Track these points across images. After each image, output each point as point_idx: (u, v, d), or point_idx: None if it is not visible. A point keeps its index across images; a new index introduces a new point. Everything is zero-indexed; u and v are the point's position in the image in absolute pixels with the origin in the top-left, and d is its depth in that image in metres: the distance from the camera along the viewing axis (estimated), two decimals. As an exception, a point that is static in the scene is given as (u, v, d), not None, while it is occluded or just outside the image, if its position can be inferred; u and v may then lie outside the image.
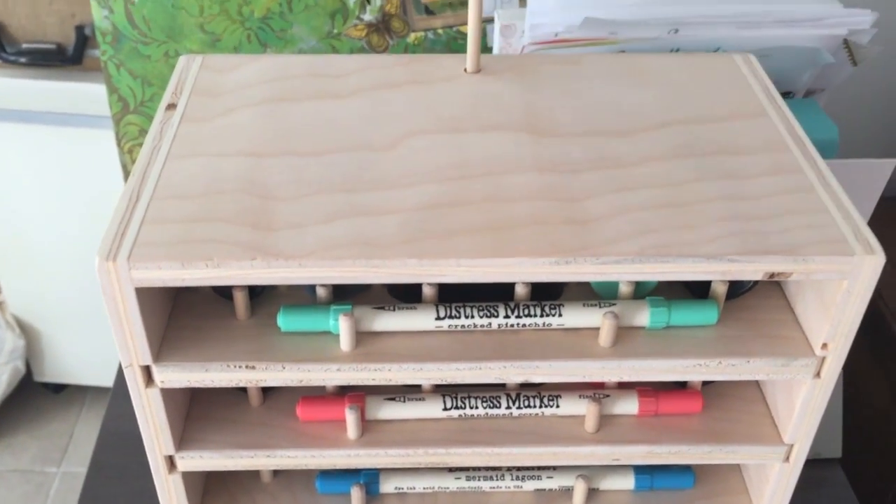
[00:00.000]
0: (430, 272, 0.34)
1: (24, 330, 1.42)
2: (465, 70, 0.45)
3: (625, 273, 0.35)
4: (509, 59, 0.47)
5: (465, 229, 0.35)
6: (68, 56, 1.10)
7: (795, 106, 0.67)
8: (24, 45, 1.10)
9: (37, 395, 1.52)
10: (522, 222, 0.36)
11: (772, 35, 0.64)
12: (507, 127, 0.41)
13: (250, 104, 0.42)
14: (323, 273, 0.34)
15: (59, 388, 1.53)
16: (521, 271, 0.35)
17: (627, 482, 0.45)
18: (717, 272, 0.35)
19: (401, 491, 0.45)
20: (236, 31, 0.77)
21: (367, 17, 0.79)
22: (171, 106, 0.42)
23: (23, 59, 1.10)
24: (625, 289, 0.39)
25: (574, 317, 0.38)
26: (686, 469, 0.46)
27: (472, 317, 0.38)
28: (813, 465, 0.69)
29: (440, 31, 0.80)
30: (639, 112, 0.43)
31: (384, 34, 0.80)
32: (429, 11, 0.80)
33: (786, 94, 0.71)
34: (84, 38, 1.08)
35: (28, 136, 1.15)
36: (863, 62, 0.68)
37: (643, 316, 0.39)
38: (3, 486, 1.42)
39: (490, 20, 0.79)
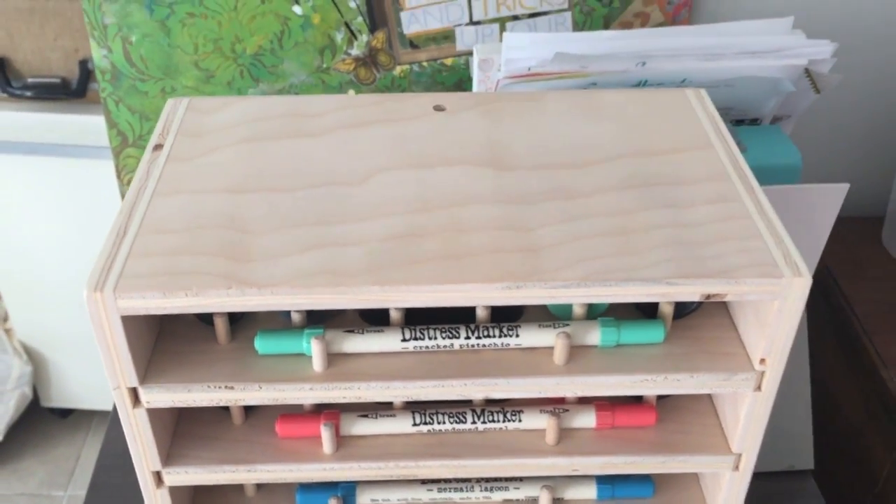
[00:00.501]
0: (393, 298, 0.37)
1: (31, 356, 1.45)
2: (434, 108, 0.48)
3: (571, 297, 0.38)
4: (475, 97, 0.50)
5: (426, 258, 0.38)
6: (72, 90, 1.14)
7: (760, 133, 0.71)
8: (30, 80, 1.14)
9: (44, 420, 1.55)
10: (478, 251, 0.39)
11: (735, 66, 0.68)
12: (469, 161, 0.45)
13: (231, 143, 0.45)
14: (293, 300, 0.37)
15: (65, 413, 1.55)
16: (476, 296, 0.38)
17: (590, 492, 0.48)
18: (657, 294, 0.38)
19: (377, 502, 0.47)
20: (229, 67, 0.81)
21: (355, 51, 0.83)
22: (158, 147, 0.45)
23: (28, 93, 1.14)
24: (578, 310, 0.42)
25: (530, 337, 0.41)
26: (646, 479, 0.48)
27: (436, 338, 0.41)
28: (786, 476, 0.72)
29: (425, 63, 0.84)
30: (593, 145, 0.46)
31: (371, 68, 0.84)
32: (413, 45, 0.83)
33: (753, 122, 0.74)
34: (87, 73, 1.11)
35: (33, 167, 1.18)
36: (825, 90, 0.71)
37: (595, 335, 0.42)
38: (11, 511, 1.45)
39: (471, 53, 0.83)
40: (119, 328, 0.37)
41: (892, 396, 0.76)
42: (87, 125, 1.13)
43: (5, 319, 1.48)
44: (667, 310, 0.42)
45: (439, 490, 0.47)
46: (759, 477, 0.72)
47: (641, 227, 0.40)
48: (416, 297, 0.37)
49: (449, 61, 0.83)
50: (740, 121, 0.73)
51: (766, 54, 0.68)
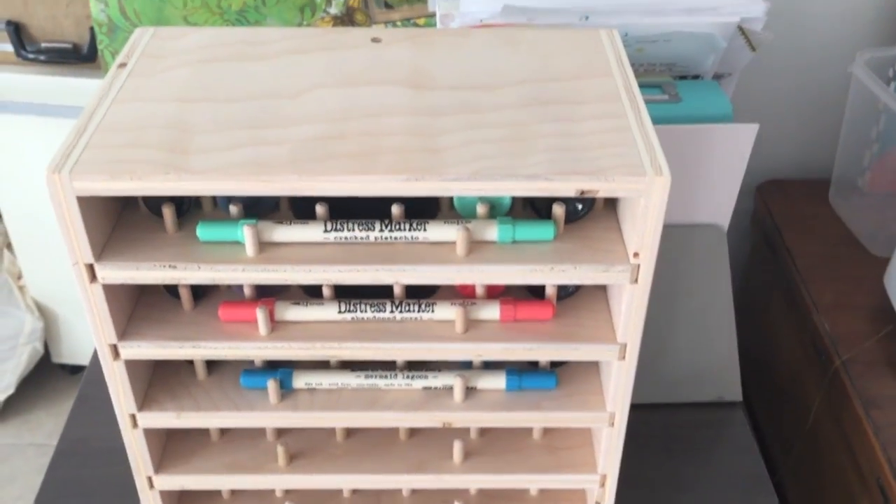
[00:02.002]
0: (308, 186, 0.43)
1: (43, 313, 1.52)
2: (371, 40, 0.55)
3: (463, 189, 0.44)
4: (410, 32, 0.56)
5: (341, 155, 0.45)
6: (83, 54, 1.20)
7: (697, 86, 0.76)
8: (43, 44, 1.20)
9: (54, 376, 1.62)
10: (387, 150, 0.45)
11: (672, 22, 0.73)
12: (392, 82, 0.51)
13: (187, 64, 0.52)
14: (223, 186, 0.43)
15: (75, 370, 1.63)
16: (380, 187, 0.44)
17: (499, 382, 0.54)
18: (537, 189, 0.44)
19: (310, 387, 0.54)
20: (216, 22, 0.88)
21: (333, 10, 0.89)
22: (122, 65, 0.51)
23: (42, 57, 1.20)
24: (480, 210, 0.48)
25: (437, 231, 0.48)
26: (550, 372, 0.54)
27: (354, 230, 0.47)
28: (715, 407, 0.77)
29: (398, 23, 0.90)
30: (504, 72, 0.52)
31: (348, 26, 0.90)
32: (388, 5, 0.89)
33: (695, 78, 0.79)
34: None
35: (46, 128, 1.24)
36: (760, 47, 0.76)
37: (493, 231, 0.48)
38: (21, 458, 1.52)
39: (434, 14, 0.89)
40: (75, 207, 0.43)
41: (823, 339, 0.82)
42: (96, 88, 1.20)
43: (19, 277, 1.55)
44: (558, 211, 0.48)
45: (366, 377, 0.54)
46: (688, 406, 0.78)
47: (532, 135, 0.46)
48: (329, 187, 0.44)
49: (422, 21, 0.89)
50: (682, 77, 0.79)
51: (701, 11, 0.73)
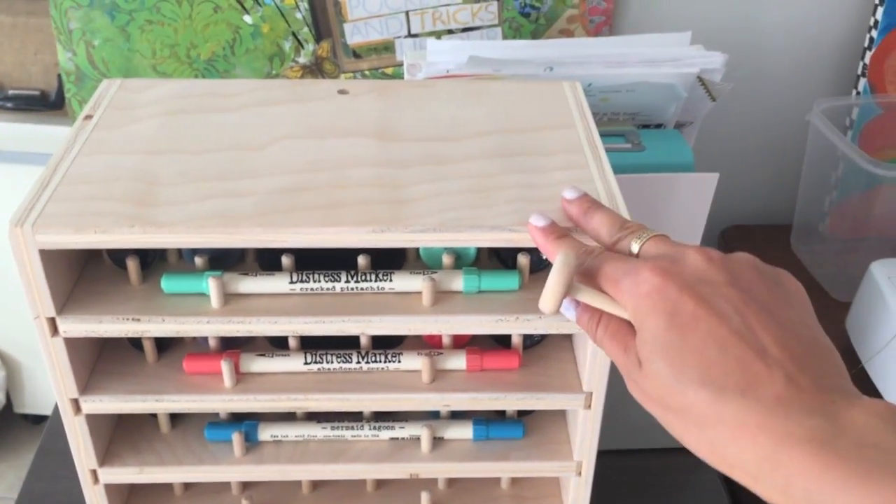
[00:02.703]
0: (273, 238, 0.44)
1: (6, 362, 1.50)
2: (338, 91, 0.55)
3: (429, 241, 0.44)
4: (375, 83, 0.57)
5: (307, 207, 0.45)
6: (51, 101, 1.19)
7: (659, 135, 0.77)
8: (10, 91, 1.19)
9: (16, 426, 1.59)
10: (354, 202, 0.45)
11: (635, 73, 0.75)
12: (359, 134, 0.51)
13: (153, 115, 0.52)
14: (189, 238, 0.43)
15: (38, 420, 1.59)
16: (348, 238, 0.44)
17: (467, 432, 0.54)
18: (502, 240, 0.44)
19: (276, 439, 0.53)
20: (185, 71, 0.88)
21: (302, 59, 0.90)
22: (88, 117, 0.52)
23: (9, 104, 1.19)
24: (446, 261, 0.49)
25: (403, 282, 0.48)
26: (517, 422, 0.54)
27: (319, 281, 0.47)
28: (684, 452, 0.77)
29: (367, 72, 0.91)
30: (469, 123, 0.52)
31: (317, 75, 0.91)
32: (356, 55, 0.90)
33: (657, 127, 0.81)
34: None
35: (12, 175, 1.24)
36: (720, 97, 0.78)
37: (458, 282, 0.48)
38: (-21, 512, 1.48)
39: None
40: (37, 260, 0.43)
41: (788, 383, 0.82)
42: (63, 136, 1.19)
43: (-20, 324, 1.52)
44: (523, 261, 0.48)
45: (332, 428, 0.53)
46: (657, 452, 0.78)
47: (497, 187, 0.47)
48: (295, 238, 0.44)
49: (389, 70, 0.90)
50: (646, 125, 0.80)
51: (662, 63, 0.75)
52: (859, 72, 0.93)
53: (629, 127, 0.79)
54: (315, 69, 0.90)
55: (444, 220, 0.44)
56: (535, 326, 0.47)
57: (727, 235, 1.00)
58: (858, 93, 0.93)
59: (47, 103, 1.19)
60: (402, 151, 0.50)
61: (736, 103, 0.94)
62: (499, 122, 0.53)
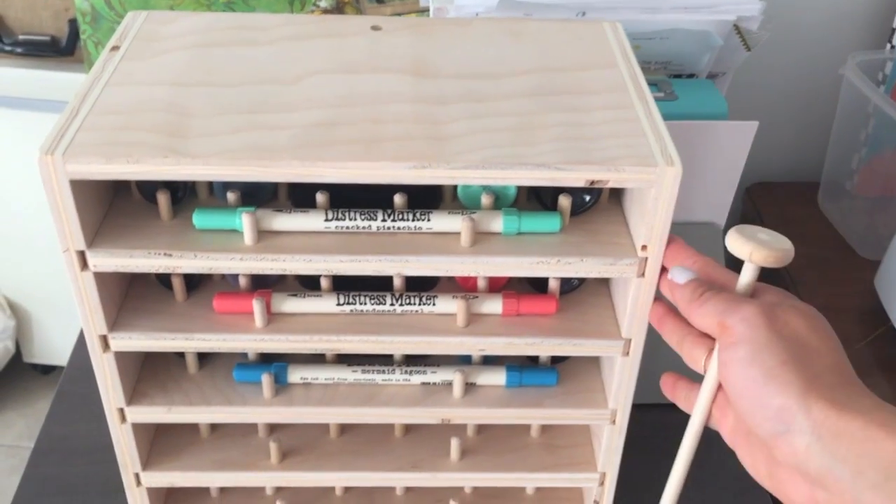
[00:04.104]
0: (310, 172, 0.42)
1: (15, 311, 1.49)
2: (371, 27, 0.53)
3: (471, 178, 0.43)
4: (410, 21, 0.55)
5: (344, 141, 0.43)
6: (61, 47, 1.18)
7: (692, 85, 0.76)
8: (21, 37, 1.17)
9: (25, 376, 1.59)
10: (391, 138, 0.44)
11: (669, 19, 0.73)
12: (394, 70, 0.49)
13: (182, 48, 0.50)
14: (222, 171, 0.42)
15: (47, 370, 1.59)
16: (386, 174, 0.42)
17: (500, 378, 0.53)
18: (546, 178, 0.43)
19: (306, 381, 0.52)
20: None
21: (323, 3, 0.88)
22: (115, 48, 0.50)
23: (19, 50, 1.18)
24: (485, 200, 0.47)
25: (440, 222, 0.46)
26: (551, 368, 0.53)
27: (356, 219, 0.46)
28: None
29: (390, 17, 0.88)
30: (507, 62, 0.51)
31: (339, 20, 0.88)
32: (379, 0, 0.88)
33: (690, 76, 0.79)
34: (76, 31, 1.15)
35: (22, 122, 1.22)
36: (756, 47, 0.76)
37: (498, 222, 0.47)
38: (-11, 460, 1.48)
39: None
40: (67, 191, 0.42)
41: (813, 340, 0.81)
42: (74, 82, 1.18)
43: (-10, 273, 1.52)
44: (564, 203, 0.47)
45: (363, 371, 0.52)
46: (676, 407, 0.77)
47: (540, 125, 0.45)
48: (332, 173, 0.42)
49: (413, 16, 0.88)
50: (678, 75, 0.78)
51: (698, 9, 0.73)
52: (894, 25, 0.91)
53: (661, 76, 0.77)
54: (336, 13, 0.88)
55: (487, 157, 0.43)
56: (577, 269, 0.46)
57: (752, 192, 0.99)
58: (893, 46, 0.91)
59: (57, 49, 1.17)
60: (439, 88, 0.48)
61: (767, 55, 0.92)
62: (538, 61, 0.51)
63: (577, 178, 0.43)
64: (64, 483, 0.68)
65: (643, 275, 0.46)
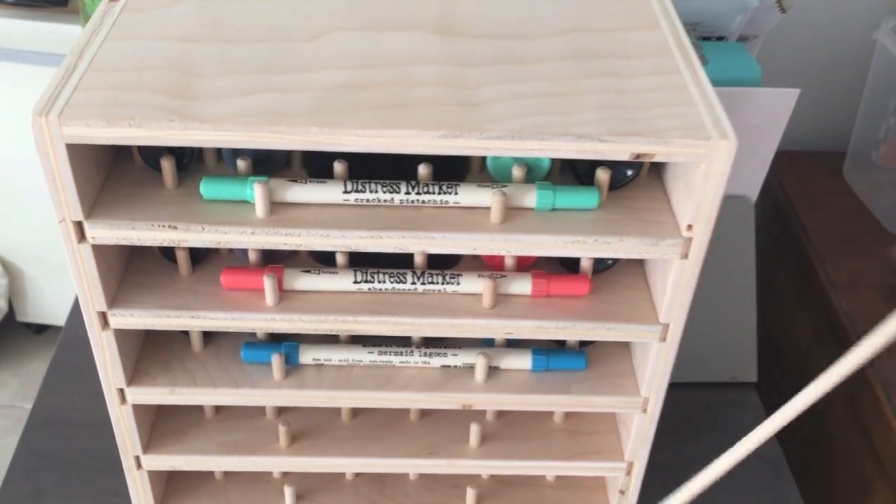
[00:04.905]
0: (331, 140, 0.38)
1: (8, 270, 1.46)
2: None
3: (506, 149, 0.39)
4: (434, -26, 0.51)
5: (367, 106, 0.39)
6: (54, -1, 1.13)
7: (723, 48, 0.71)
8: (11, -14, 1.13)
9: (18, 335, 1.56)
10: (420, 102, 0.40)
11: (703, -22, 0.68)
12: (419, 27, 0.45)
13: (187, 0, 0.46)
14: (234, 137, 0.38)
15: (40, 329, 1.57)
16: (413, 143, 0.39)
17: (525, 362, 0.49)
18: (589, 151, 0.39)
19: (318, 362, 0.49)
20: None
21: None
22: (114, -2, 0.46)
23: (9, 0, 1.13)
24: (517, 173, 0.44)
25: (469, 195, 0.43)
26: (579, 352, 0.50)
27: (377, 192, 0.42)
28: (728, 387, 0.74)
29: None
30: (543, 21, 0.47)
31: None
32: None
33: (720, 39, 0.75)
34: (69, -20, 1.10)
35: (13, 75, 1.18)
36: (791, 9, 0.72)
37: (531, 197, 0.43)
38: (-16, 421, 1.46)
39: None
40: (64, 156, 0.38)
41: (839, 319, 0.79)
42: (68, 34, 1.13)
43: (-18, 230, 1.48)
44: (602, 177, 0.43)
45: (380, 353, 0.49)
46: (701, 386, 0.74)
47: (580, 91, 0.41)
48: (354, 141, 0.39)
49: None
50: (707, 38, 0.74)
51: (733, -32, 0.69)
52: (932, -11, 0.87)
53: (690, 38, 0.73)
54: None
55: (524, 126, 0.39)
56: (615, 249, 0.43)
57: (775, 162, 0.95)
58: (930, 12, 0.87)
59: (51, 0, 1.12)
60: (468, 49, 0.44)
61: (798, 17, 0.88)
62: (574, 20, 0.47)
63: (621, 150, 0.39)
64: (59, 459, 0.65)
65: (686, 256, 0.43)
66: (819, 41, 0.92)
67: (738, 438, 0.71)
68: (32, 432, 0.67)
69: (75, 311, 0.76)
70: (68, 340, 0.74)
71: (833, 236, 0.85)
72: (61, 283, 1.43)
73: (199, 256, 0.47)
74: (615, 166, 0.44)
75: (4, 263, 1.46)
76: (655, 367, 0.47)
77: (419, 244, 0.42)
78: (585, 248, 0.43)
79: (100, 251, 0.42)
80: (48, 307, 1.50)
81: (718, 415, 0.72)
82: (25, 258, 1.44)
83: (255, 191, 0.41)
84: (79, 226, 0.41)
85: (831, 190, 0.90)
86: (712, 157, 0.39)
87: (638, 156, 0.39)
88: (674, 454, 0.69)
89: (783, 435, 0.89)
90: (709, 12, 0.71)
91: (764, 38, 0.76)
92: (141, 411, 0.50)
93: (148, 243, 0.42)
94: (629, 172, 0.44)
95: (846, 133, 0.92)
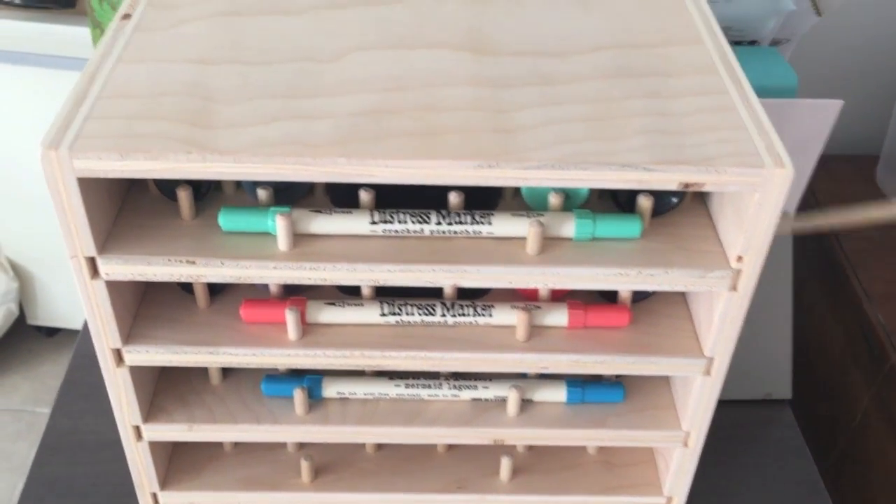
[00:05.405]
0: (358, 171, 0.36)
1: (18, 273, 1.44)
2: None
3: (546, 179, 0.36)
4: (461, -15, 0.48)
5: (396, 134, 0.37)
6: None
7: (757, 54, 0.69)
8: (19, -13, 1.11)
9: (29, 338, 1.55)
10: (451, 129, 0.37)
11: (736, -20, 0.65)
12: (449, 45, 0.43)
13: (203, 17, 0.44)
14: (256, 169, 0.36)
15: (51, 332, 1.55)
16: (446, 174, 0.36)
17: (559, 395, 0.47)
18: (634, 181, 0.37)
19: (342, 396, 0.47)
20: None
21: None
22: (126, 16, 0.43)
23: (17, 1, 1.11)
24: (554, 201, 0.41)
25: (503, 225, 0.40)
26: (616, 384, 0.48)
27: (405, 222, 0.40)
28: (762, 405, 0.71)
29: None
30: (578, 36, 0.44)
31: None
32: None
33: (751, 44, 0.72)
34: (77, -18, 1.08)
35: (22, 77, 1.16)
36: (826, 12, 0.69)
37: (569, 227, 0.40)
38: (-6, 425, 1.45)
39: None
40: (75, 190, 0.36)
41: (874, 331, 0.76)
42: (76, 36, 1.11)
43: (-8, 234, 1.46)
44: (645, 204, 0.41)
45: (407, 386, 0.47)
46: (734, 404, 0.72)
47: (622, 114, 0.39)
48: (384, 172, 0.36)
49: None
50: (738, 42, 0.71)
51: (768, -30, 0.66)
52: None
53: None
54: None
55: (565, 155, 0.36)
56: (660, 282, 0.40)
57: (804, 166, 0.92)
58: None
59: (58, 0, 1.10)
60: (501, 68, 0.41)
61: (832, 21, 0.85)
62: (613, 34, 0.44)
63: (669, 180, 0.37)
64: (71, 485, 0.63)
65: (736, 288, 0.40)
66: (853, 44, 0.89)
67: (774, 458, 0.69)
68: (45, 457, 0.65)
69: (86, 332, 0.74)
70: (80, 359, 0.72)
71: (867, 244, 0.82)
72: (72, 286, 1.41)
73: (218, 286, 0.45)
74: (659, 193, 0.41)
75: (15, 267, 1.44)
76: (699, 401, 0.45)
77: (452, 278, 0.40)
78: (628, 281, 0.40)
79: (114, 286, 0.40)
80: (59, 310, 1.49)
81: (752, 434, 0.70)
82: (36, 261, 1.43)
83: (278, 223, 0.39)
84: (91, 262, 0.38)
85: (864, 196, 0.88)
86: (767, 186, 0.37)
87: (686, 185, 0.37)
88: (707, 476, 0.66)
89: (817, 451, 0.87)
90: (741, 16, 0.69)
91: (797, 41, 0.73)
92: (158, 447, 0.48)
93: (164, 279, 0.39)
94: (674, 200, 0.42)
95: (878, 136, 0.89)
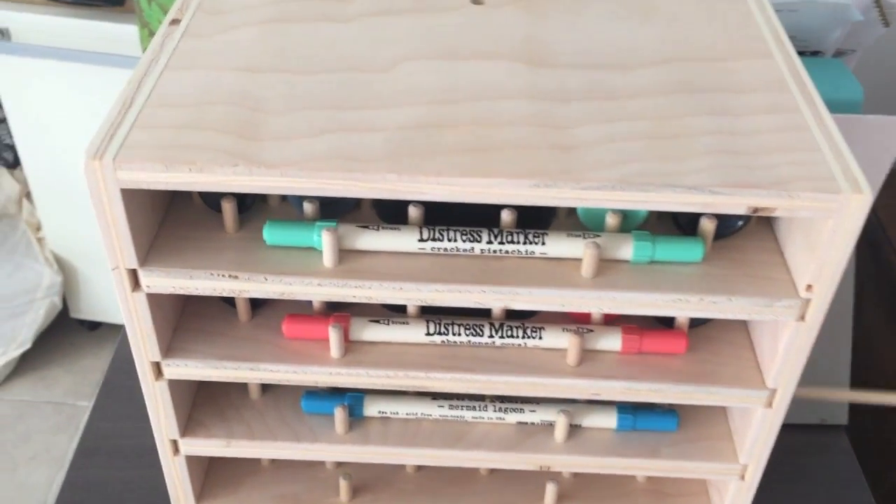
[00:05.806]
0: (409, 188, 0.34)
1: (62, 267, 1.46)
2: (471, 1, 0.45)
3: (606, 200, 0.35)
4: (516, -7, 0.46)
5: (449, 149, 0.35)
6: (112, -3, 1.12)
7: (821, 65, 0.66)
8: (69, -14, 1.11)
9: (72, 331, 1.56)
10: (508, 146, 0.36)
11: (802, -11, 0.63)
12: (504, 56, 0.41)
13: (252, 23, 0.42)
14: (304, 184, 0.34)
15: (93, 326, 1.56)
16: (501, 193, 0.35)
17: (609, 421, 0.45)
18: (700, 204, 0.35)
19: (384, 415, 0.45)
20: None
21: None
22: (175, 21, 0.42)
23: (68, -1, 1.12)
24: (611, 222, 0.39)
25: (557, 246, 0.38)
26: (670, 411, 0.45)
27: (455, 240, 0.38)
28: (817, 430, 0.69)
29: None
30: (640, 48, 0.42)
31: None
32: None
33: (814, 54, 0.69)
34: (126, -20, 1.09)
35: (70, 74, 1.17)
36: (895, 23, 0.66)
37: (627, 249, 0.38)
38: (36, 416, 1.46)
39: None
40: (118, 201, 0.35)
41: (937, 356, 0.72)
42: (124, 34, 1.11)
43: (38, 228, 1.48)
44: (708, 227, 0.39)
45: (451, 407, 0.45)
46: (788, 428, 0.69)
47: (687, 133, 0.37)
48: (436, 190, 0.35)
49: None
50: (801, 53, 0.68)
51: (835, -21, 0.63)
52: None
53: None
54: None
55: (625, 175, 0.34)
56: (722, 310, 0.38)
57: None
58: None
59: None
60: (559, 81, 0.40)
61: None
62: (675, 46, 0.42)
63: (737, 204, 0.35)
64: (107, 491, 0.62)
65: (804, 319, 0.38)
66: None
67: (828, 486, 0.66)
68: (81, 461, 0.65)
69: (125, 336, 0.73)
70: (119, 362, 0.71)
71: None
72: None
73: (260, 300, 0.43)
74: (723, 215, 0.39)
75: (59, 260, 1.46)
76: (759, 434, 0.42)
77: (502, 300, 0.38)
78: (689, 308, 0.38)
79: (154, 299, 0.39)
80: (102, 304, 1.50)
81: (806, 460, 0.67)
82: (79, 255, 1.45)
83: (324, 239, 0.37)
84: (133, 274, 0.37)
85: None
86: (843, 213, 0.34)
87: (755, 210, 0.35)
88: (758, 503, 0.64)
89: (873, 478, 0.83)
90: (805, 25, 0.66)
91: (862, 53, 0.70)
92: (194, 460, 0.47)
93: (206, 293, 0.38)
94: (739, 222, 0.40)
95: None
